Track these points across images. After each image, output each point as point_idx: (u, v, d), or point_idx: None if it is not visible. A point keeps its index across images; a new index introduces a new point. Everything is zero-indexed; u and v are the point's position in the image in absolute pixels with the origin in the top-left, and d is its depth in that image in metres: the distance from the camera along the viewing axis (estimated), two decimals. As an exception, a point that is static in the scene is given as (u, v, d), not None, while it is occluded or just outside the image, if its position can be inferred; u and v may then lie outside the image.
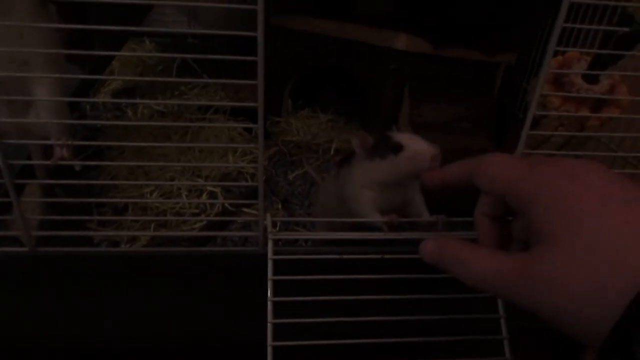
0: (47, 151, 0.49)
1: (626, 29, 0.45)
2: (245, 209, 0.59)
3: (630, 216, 0.27)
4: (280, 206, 0.61)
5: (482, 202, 0.35)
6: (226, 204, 0.59)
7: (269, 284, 0.41)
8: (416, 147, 0.44)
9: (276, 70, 0.38)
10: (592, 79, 0.51)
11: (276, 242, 0.43)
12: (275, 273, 0.41)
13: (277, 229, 0.44)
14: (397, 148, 0.44)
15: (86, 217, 0.52)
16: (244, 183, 0.62)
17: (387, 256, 0.43)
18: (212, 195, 0.60)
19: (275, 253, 0.42)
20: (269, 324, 0.40)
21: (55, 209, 0.46)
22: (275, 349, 0.39)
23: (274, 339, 0.39)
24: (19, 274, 0.46)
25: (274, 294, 0.40)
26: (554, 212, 0.28)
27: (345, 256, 0.42)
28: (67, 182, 0.42)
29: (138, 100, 0.71)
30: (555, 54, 0.39)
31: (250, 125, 0.39)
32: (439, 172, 0.38)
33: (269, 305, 0.40)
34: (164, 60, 0.77)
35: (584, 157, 0.44)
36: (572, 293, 0.27)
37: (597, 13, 0.49)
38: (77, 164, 0.43)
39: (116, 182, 0.57)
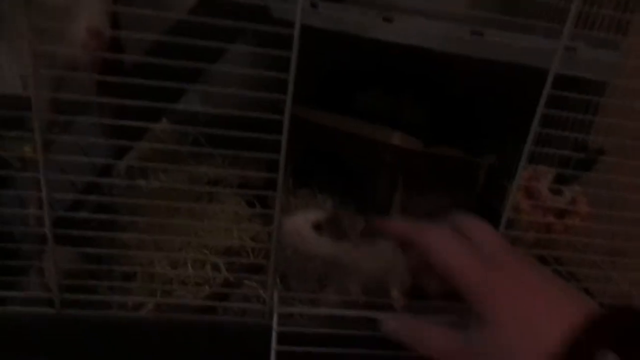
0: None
1: (582, 155, 0.53)
2: (246, 282, 0.54)
3: (547, 303, 0.31)
4: (278, 281, 0.55)
5: None
6: (229, 277, 0.54)
7: (272, 353, 0.41)
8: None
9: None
10: (557, 192, 0.58)
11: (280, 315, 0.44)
12: (278, 344, 0.42)
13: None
14: None
15: (111, 283, 0.50)
16: (252, 260, 0.57)
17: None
18: (215, 267, 0.55)
19: (279, 325, 0.43)
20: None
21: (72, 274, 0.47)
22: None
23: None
24: (44, 334, 0.45)
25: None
26: (489, 300, 0.32)
27: (343, 331, 0.41)
28: (85, 251, 0.44)
29: (144, 182, 0.67)
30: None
31: (266, 211, 0.45)
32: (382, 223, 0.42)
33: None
34: (178, 136, 0.73)
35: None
36: None
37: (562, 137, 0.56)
38: (91, 234, 0.45)
39: (130, 252, 0.54)
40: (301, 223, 0.44)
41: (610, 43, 0.51)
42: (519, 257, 0.35)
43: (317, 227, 0.44)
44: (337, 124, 0.64)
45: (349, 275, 0.46)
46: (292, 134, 0.68)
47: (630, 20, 0.55)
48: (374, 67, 0.70)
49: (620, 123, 0.44)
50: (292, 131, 0.67)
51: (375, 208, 0.62)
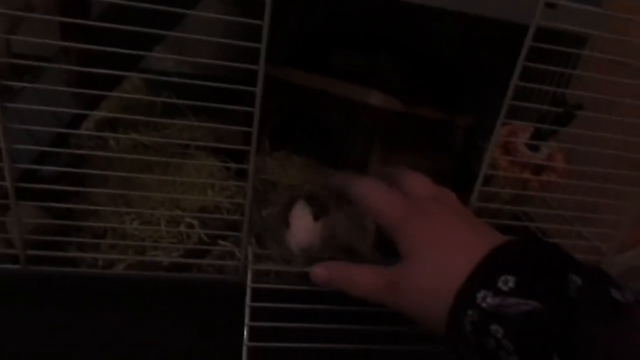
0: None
1: (560, 110, 0.52)
2: (220, 241, 0.53)
3: (461, 239, 0.34)
4: (253, 240, 0.54)
5: None
6: (203, 236, 0.53)
7: (247, 310, 0.41)
8: (293, 235, 0.45)
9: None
10: (534, 148, 0.56)
11: (254, 272, 0.44)
12: (252, 300, 0.42)
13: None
14: (288, 224, 0.45)
15: (81, 240, 0.49)
16: (226, 216, 0.55)
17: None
18: (190, 226, 0.54)
19: (253, 282, 0.43)
20: (245, 347, 0.39)
21: (40, 230, 0.45)
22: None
23: None
24: (9, 291, 0.43)
25: (251, 319, 0.40)
26: (409, 238, 0.35)
27: (317, 288, 0.41)
28: (53, 205, 0.42)
29: (118, 136, 0.64)
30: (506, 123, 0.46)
31: (240, 166, 0.44)
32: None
33: (246, 329, 0.40)
34: (149, 95, 0.69)
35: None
36: (419, 295, 0.34)
37: (540, 93, 0.55)
38: (60, 188, 0.43)
39: (99, 207, 0.52)
40: (308, 221, 0.45)
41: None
42: (443, 202, 0.39)
43: (316, 218, 0.45)
44: (315, 84, 0.62)
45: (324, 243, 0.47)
46: (268, 94, 0.66)
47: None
48: (351, 25, 0.68)
49: (599, 77, 0.43)
50: (268, 91, 0.66)
51: (352, 168, 0.61)
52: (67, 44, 0.38)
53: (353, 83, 0.60)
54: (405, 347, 0.41)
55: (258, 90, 0.39)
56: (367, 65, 0.65)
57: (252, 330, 0.40)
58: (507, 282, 0.30)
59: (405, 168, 0.43)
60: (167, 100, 0.51)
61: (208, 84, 0.39)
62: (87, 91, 0.40)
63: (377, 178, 0.44)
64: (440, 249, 0.34)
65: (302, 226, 0.44)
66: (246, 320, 0.41)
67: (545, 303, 0.28)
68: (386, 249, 0.42)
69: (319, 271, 0.39)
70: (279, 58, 0.64)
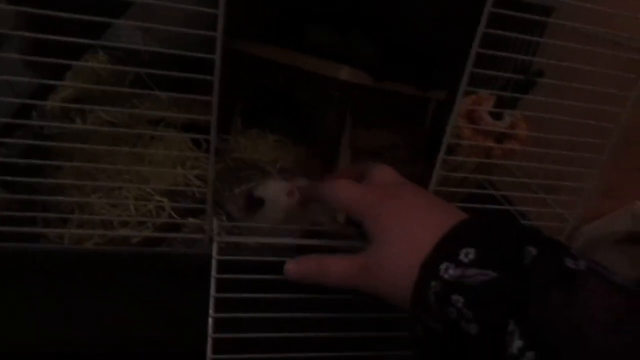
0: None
1: (521, 77, 0.51)
2: (190, 218, 0.53)
3: (426, 218, 0.35)
4: (224, 218, 0.55)
5: None
6: (173, 215, 0.53)
7: (212, 281, 0.41)
8: (272, 194, 0.45)
9: (227, 90, 0.39)
10: (497, 116, 0.56)
11: (221, 245, 0.44)
12: (219, 273, 0.41)
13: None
14: (260, 202, 0.46)
15: (50, 215, 0.48)
16: (194, 188, 0.55)
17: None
18: (158, 201, 0.54)
19: (219, 254, 0.43)
20: (210, 318, 0.39)
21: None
22: (216, 340, 0.39)
23: (215, 332, 0.39)
24: None
25: (217, 291, 0.40)
26: (378, 221, 0.36)
27: (284, 259, 0.41)
28: (17, 179, 0.40)
29: (89, 106, 0.62)
30: (471, 93, 0.45)
31: (203, 136, 0.42)
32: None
33: (211, 300, 0.40)
34: (117, 72, 0.69)
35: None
36: (389, 273, 0.35)
37: (503, 61, 0.53)
38: (24, 162, 0.41)
39: (66, 181, 0.51)
40: (279, 187, 0.46)
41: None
42: (409, 188, 0.40)
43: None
44: (286, 60, 0.62)
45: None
46: (240, 70, 0.65)
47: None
48: (324, 2, 0.67)
49: (565, 45, 0.43)
50: (240, 67, 0.65)
51: (323, 144, 0.61)
52: (17, 8, 0.37)
53: (324, 59, 0.59)
54: (373, 315, 0.42)
55: (217, 57, 0.38)
56: (339, 42, 0.64)
57: (218, 301, 0.40)
58: (468, 254, 0.31)
59: (371, 162, 0.44)
60: (131, 69, 0.50)
61: (168, 51, 0.38)
62: (42, 59, 0.38)
63: (345, 174, 0.46)
64: (407, 228, 0.35)
65: (278, 191, 0.46)
66: (212, 292, 0.40)
67: (502, 273, 0.29)
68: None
69: (292, 267, 0.39)
70: (252, 34, 0.64)
